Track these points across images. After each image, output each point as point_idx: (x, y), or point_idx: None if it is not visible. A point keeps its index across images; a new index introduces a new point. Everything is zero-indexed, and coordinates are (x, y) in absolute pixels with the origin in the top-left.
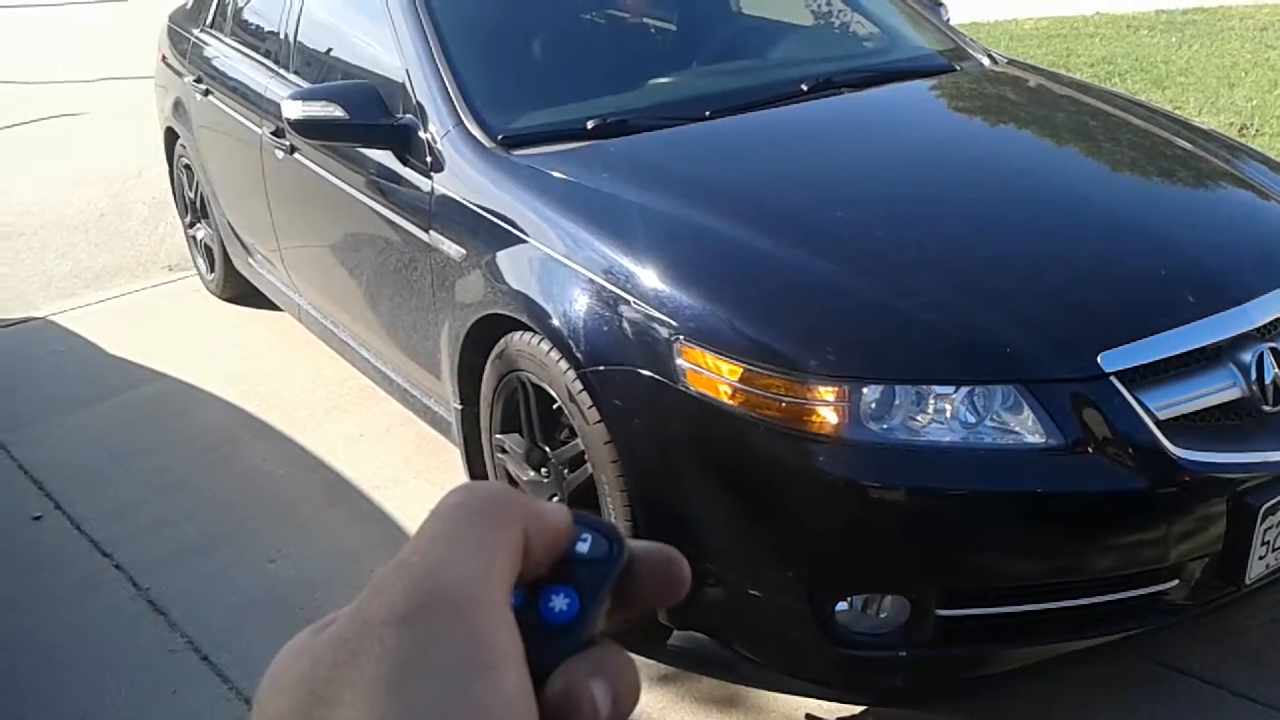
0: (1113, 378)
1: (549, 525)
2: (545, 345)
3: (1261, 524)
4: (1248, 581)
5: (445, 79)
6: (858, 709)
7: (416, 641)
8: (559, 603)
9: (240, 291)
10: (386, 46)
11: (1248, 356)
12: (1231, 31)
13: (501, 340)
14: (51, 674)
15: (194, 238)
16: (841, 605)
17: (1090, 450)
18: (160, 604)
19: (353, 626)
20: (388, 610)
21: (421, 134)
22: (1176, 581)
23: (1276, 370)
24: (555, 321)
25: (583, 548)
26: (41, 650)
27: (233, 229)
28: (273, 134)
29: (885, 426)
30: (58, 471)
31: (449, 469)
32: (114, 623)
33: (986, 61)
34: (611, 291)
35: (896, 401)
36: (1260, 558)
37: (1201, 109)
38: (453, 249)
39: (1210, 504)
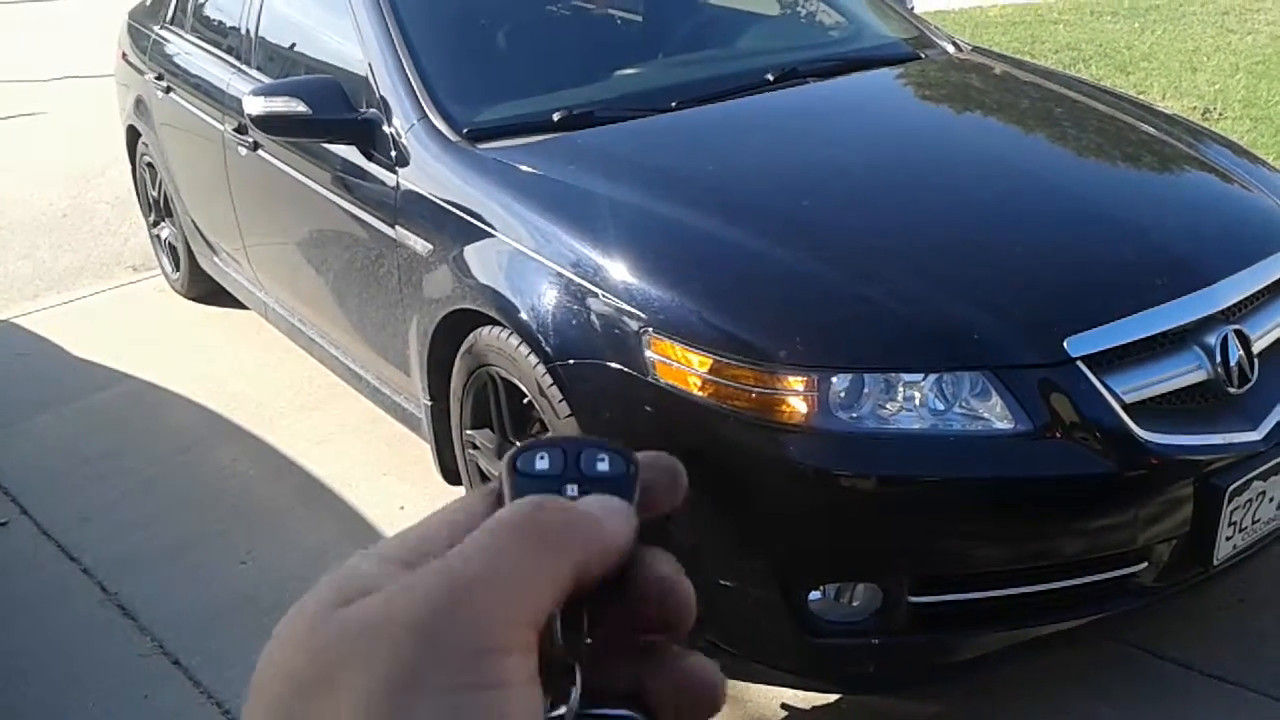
0: (1079, 362)
1: (613, 551)
2: (514, 340)
3: (1228, 505)
4: (1215, 563)
5: (409, 72)
6: (832, 697)
7: (428, 654)
8: None
9: (206, 290)
10: (349, 40)
11: (1212, 339)
12: (1194, 16)
13: (470, 335)
14: (20, 681)
15: (158, 237)
16: (814, 594)
17: (1058, 435)
18: (130, 608)
19: (377, 618)
20: (410, 613)
21: (386, 128)
22: (1145, 564)
23: (1241, 353)
24: (524, 316)
25: (604, 467)
26: (9, 657)
27: (197, 227)
28: (235, 130)
29: (855, 415)
30: (23, 476)
31: (420, 465)
32: (83, 628)
33: (951, 49)
34: (580, 285)
35: (866, 390)
36: (1227, 539)
37: (1165, 94)
38: (419, 244)
39: (1177, 486)
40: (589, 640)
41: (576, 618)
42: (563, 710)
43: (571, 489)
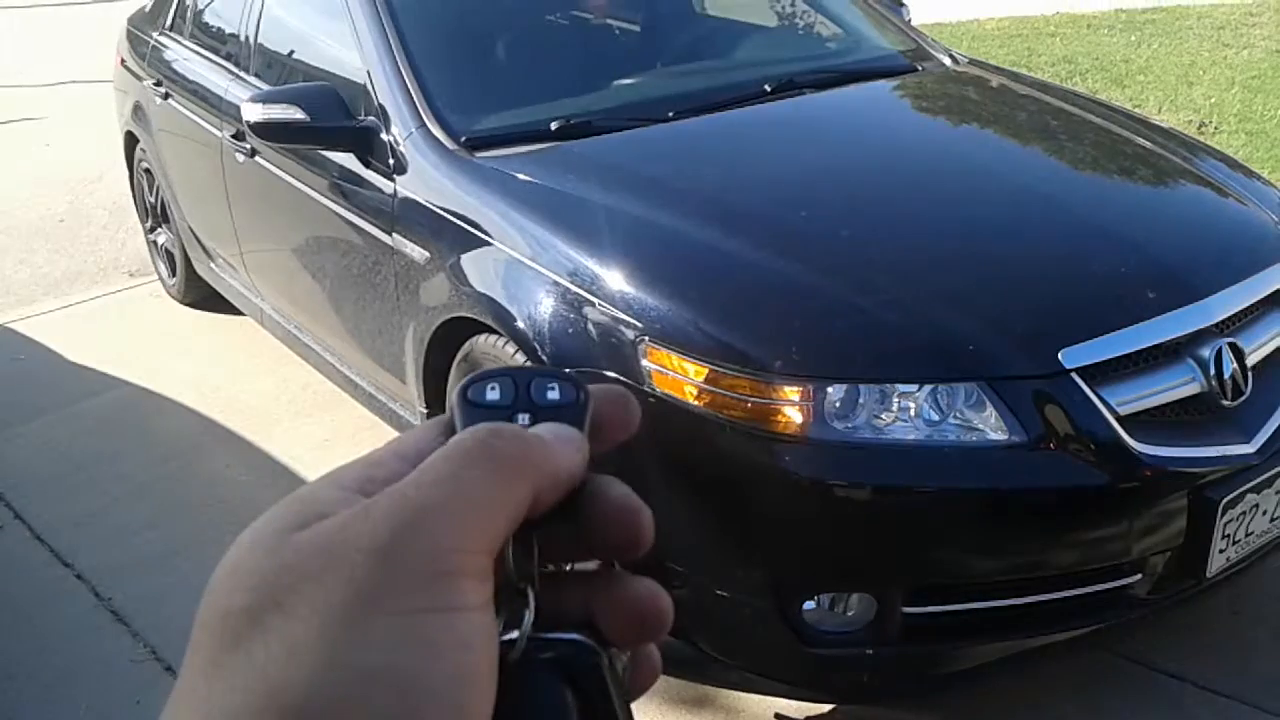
0: (1074, 374)
1: (564, 478)
2: (510, 348)
3: (1221, 518)
4: (1209, 575)
5: (407, 80)
6: (826, 708)
7: (386, 577)
8: None
9: (202, 296)
10: (348, 47)
11: (1206, 352)
12: (1190, 30)
13: (467, 343)
14: (12, 685)
15: (155, 242)
16: (808, 604)
17: (1052, 446)
18: (123, 613)
19: (330, 542)
20: (369, 538)
21: (384, 136)
22: (1139, 576)
23: (1234, 365)
24: (520, 324)
25: (554, 395)
26: (2, 662)
27: (194, 233)
28: (233, 137)
29: (850, 425)
30: (18, 480)
31: None
32: (76, 633)
33: (948, 62)
34: (576, 294)
35: (861, 400)
36: (1221, 551)
37: (1161, 107)
38: (416, 252)
39: (1171, 499)
40: (544, 567)
41: (528, 544)
42: (515, 634)
43: (523, 418)
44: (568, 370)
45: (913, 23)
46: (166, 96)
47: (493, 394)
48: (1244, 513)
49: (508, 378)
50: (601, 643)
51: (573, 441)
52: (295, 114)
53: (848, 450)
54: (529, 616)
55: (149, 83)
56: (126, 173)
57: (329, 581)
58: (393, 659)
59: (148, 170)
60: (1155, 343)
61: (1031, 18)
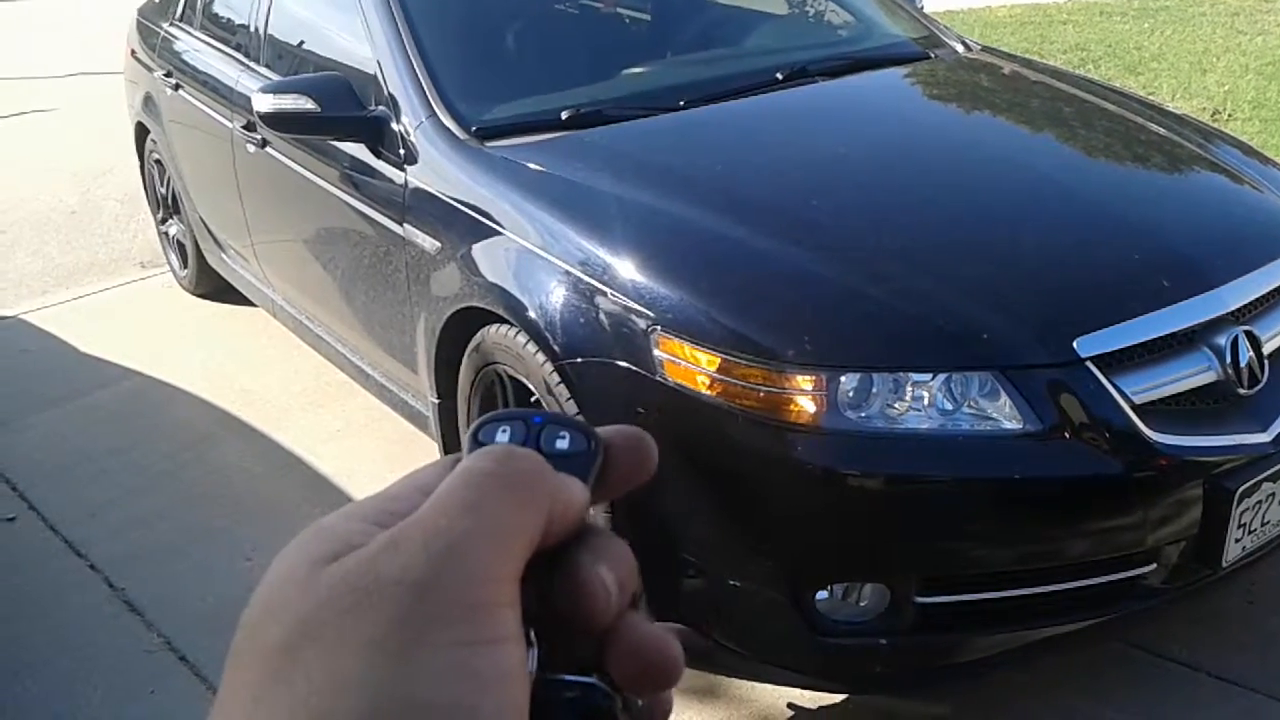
0: (1089, 363)
1: (572, 509)
2: (522, 338)
3: (1237, 507)
4: (1224, 564)
5: (418, 70)
6: (839, 697)
7: (426, 610)
8: None
9: (213, 287)
10: (358, 38)
11: (1222, 340)
12: (1203, 17)
13: (478, 333)
14: (28, 675)
15: (166, 234)
16: (821, 594)
17: (1067, 436)
18: (136, 604)
19: (362, 576)
20: (402, 570)
21: (394, 126)
22: (1154, 565)
23: (1250, 354)
24: (532, 314)
25: (563, 444)
26: (16, 651)
27: (205, 224)
28: (244, 128)
29: (863, 415)
30: (31, 472)
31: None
32: (90, 623)
33: (961, 49)
34: (588, 283)
35: (874, 389)
36: (1236, 540)
37: (1174, 94)
38: (428, 242)
39: (1186, 488)
40: (542, 609)
41: (527, 590)
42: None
43: None
44: (581, 419)
45: (925, 10)
46: (177, 88)
47: (503, 436)
48: (1260, 501)
49: (520, 421)
50: (616, 685)
51: (575, 483)
52: (306, 104)
53: (861, 440)
54: (533, 656)
55: (159, 74)
56: (137, 164)
57: (368, 615)
58: (443, 692)
59: (159, 161)
60: (1171, 331)
61: (1044, 5)
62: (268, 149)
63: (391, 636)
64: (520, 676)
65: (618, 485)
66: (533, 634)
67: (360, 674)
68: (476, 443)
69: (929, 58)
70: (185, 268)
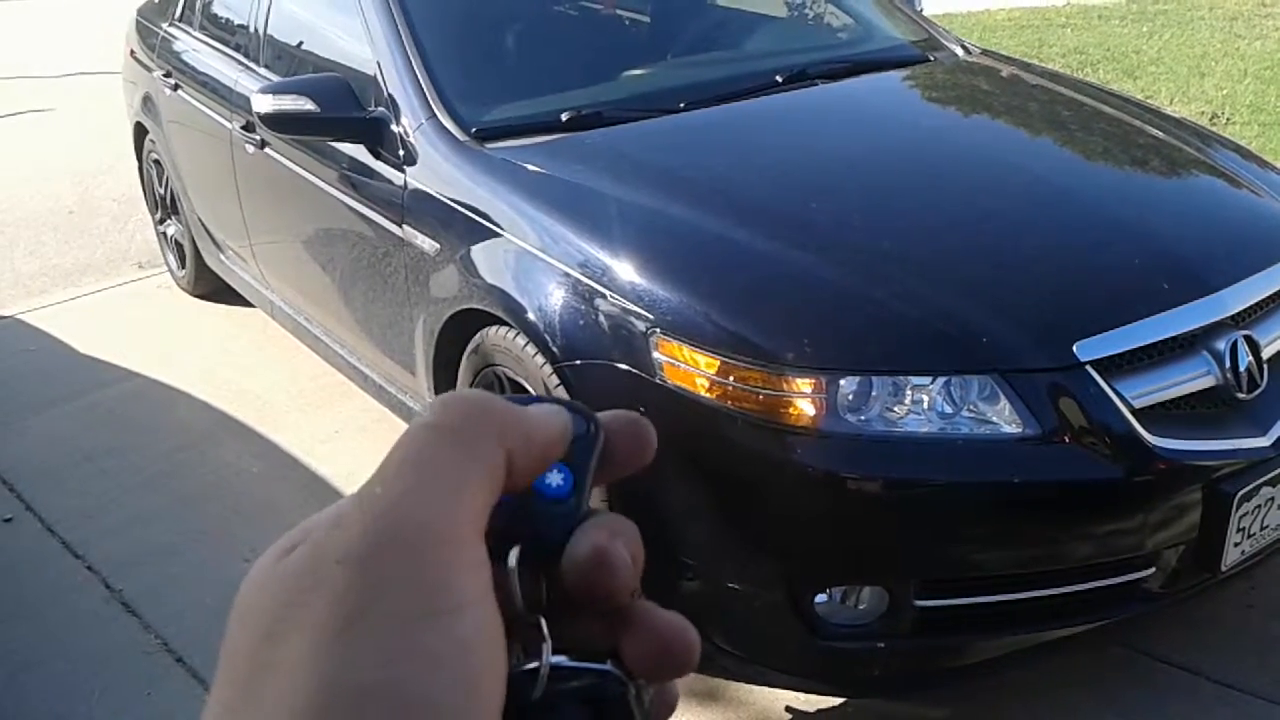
0: (1088, 367)
1: (538, 440)
2: (521, 340)
3: (1236, 511)
4: (1223, 569)
5: (417, 71)
6: (837, 700)
7: (369, 585)
8: (554, 478)
9: (212, 288)
10: (357, 39)
11: (1221, 344)
12: (1201, 21)
13: (477, 335)
14: (23, 676)
15: (164, 234)
16: (820, 597)
17: (1067, 440)
18: (133, 605)
19: (308, 562)
20: (343, 548)
21: (394, 127)
22: (1153, 569)
23: (1250, 358)
24: (531, 316)
25: None
26: (12, 653)
27: (203, 225)
28: (243, 129)
29: (863, 418)
30: (28, 472)
31: None
32: (87, 625)
33: (960, 52)
34: (587, 285)
35: (874, 393)
36: (1235, 545)
37: (1173, 98)
38: (427, 243)
39: (1186, 492)
40: (549, 596)
41: (534, 575)
42: (536, 663)
43: None
44: (580, 404)
45: (924, 13)
46: (176, 88)
47: None
48: (1259, 506)
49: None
50: (628, 673)
51: (551, 410)
52: (305, 105)
53: (860, 443)
54: (547, 649)
55: (158, 74)
56: (136, 164)
57: (313, 601)
58: (389, 673)
59: (157, 162)
60: (1170, 335)
61: (1042, 8)
62: (267, 150)
63: (333, 619)
64: (485, 646)
65: (617, 468)
66: (543, 623)
67: (306, 664)
68: None
69: (928, 61)
70: (183, 268)
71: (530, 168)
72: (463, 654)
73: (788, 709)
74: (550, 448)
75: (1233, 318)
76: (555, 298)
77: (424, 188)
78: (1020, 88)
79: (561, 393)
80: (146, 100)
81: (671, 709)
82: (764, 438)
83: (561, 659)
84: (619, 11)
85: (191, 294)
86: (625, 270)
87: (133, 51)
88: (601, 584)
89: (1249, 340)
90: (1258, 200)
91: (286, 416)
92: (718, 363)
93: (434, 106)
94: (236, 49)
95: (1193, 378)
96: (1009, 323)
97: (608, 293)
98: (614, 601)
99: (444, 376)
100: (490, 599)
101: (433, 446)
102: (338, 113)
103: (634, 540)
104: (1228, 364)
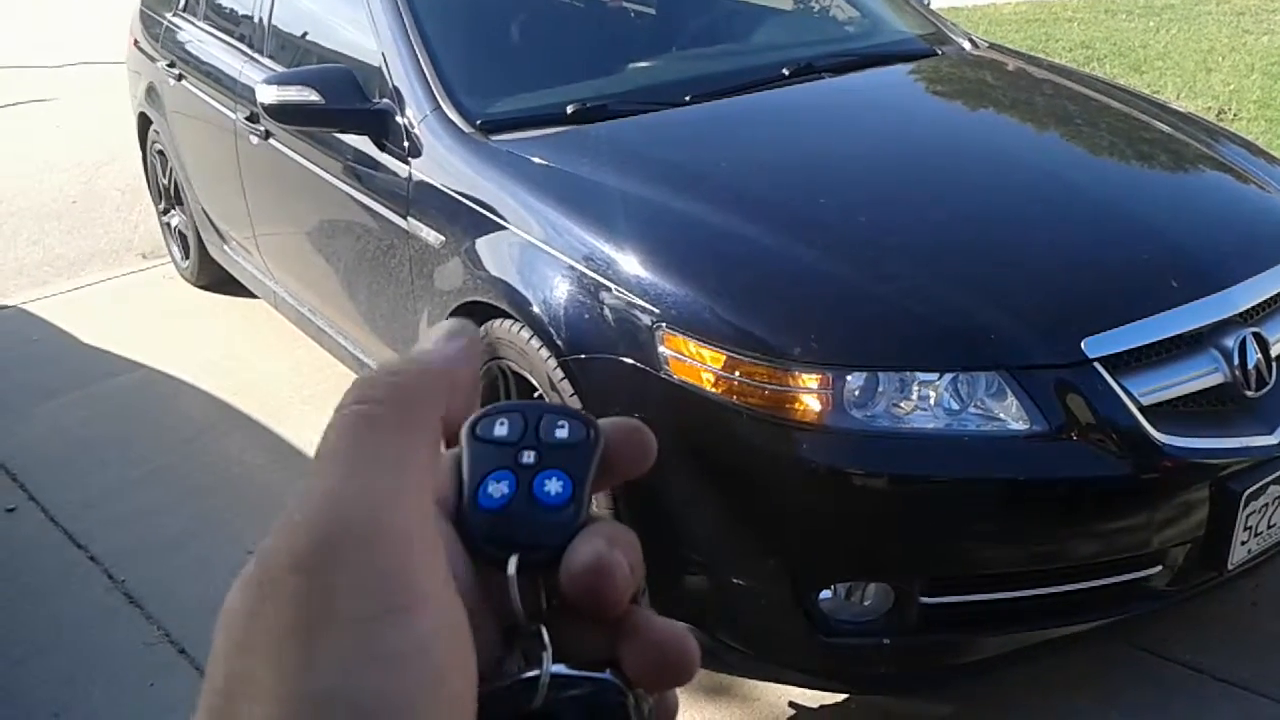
0: (1096, 364)
1: (463, 385)
2: (526, 333)
3: (1244, 509)
4: (1230, 567)
5: (422, 63)
6: (841, 697)
7: (321, 590)
8: (553, 485)
9: (215, 279)
10: (362, 29)
11: (1230, 342)
12: (1209, 16)
13: (481, 328)
14: (27, 668)
15: (168, 225)
16: (825, 593)
17: (1074, 436)
18: (137, 596)
19: (260, 571)
20: (290, 555)
21: (399, 119)
22: (1159, 568)
23: (1259, 356)
24: (536, 309)
25: (563, 434)
26: (14, 643)
27: (207, 215)
28: (247, 119)
29: (869, 414)
30: (31, 462)
31: None
32: (90, 616)
33: (967, 46)
34: (592, 278)
35: (880, 389)
36: (1242, 543)
37: (1180, 93)
38: (431, 235)
39: (1193, 490)
40: (548, 604)
41: (533, 583)
42: (537, 672)
43: (528, 455)
44: (579, 410)
45: (931, 6)
46: (180, 78)
47: (501, 429)
48: (1266, 504)
49: (518, 413)
50: (628, 682)
51: (453, 343)
52: (310, 96)
53: (866, 439)
54: (547, 657)
55: (162, 64)
56: (139, 154)
57: (269, 611)
58: (349, 680)
59: (161, 152)
60: (1179, 332)
61: (1049, 2)
62: (271, 141)
63: (290, 629)
64: (447, 641)
65: (616, 475)
66: (545, 635)
67: (264, 677)
68: (474, 437)
69: (935, 54)
70: (187, 259)
71: (535, 160)
72: (424, 652)
73: (791, 705)
74: (473, 387)
75: (1241, 315)
76: (560, 291)
77: (429, 180)
78: (1027, 82)
79: (566, 386)
80: (150, 90)
81: (672, 716)
82: (769, 433)
83: (561, 667)
84: (624, 4)
85: (195, 285)
86: (631, 264)
87: (136, 41)
88: (600, 592)
89: (1258, 338)
90: (1266, 196)
91: (290, 408)
92: (724, 357)
93: (439, 98)
94: (241, 39)
95: (1201, 375)
96: (1016, 319)
97: (613, 286)
98: (612, 610)
99: None
100: (450, 589)
101: (365, 432)
102: (342, 104)
103: (633, 548)
104: (1236, 361)
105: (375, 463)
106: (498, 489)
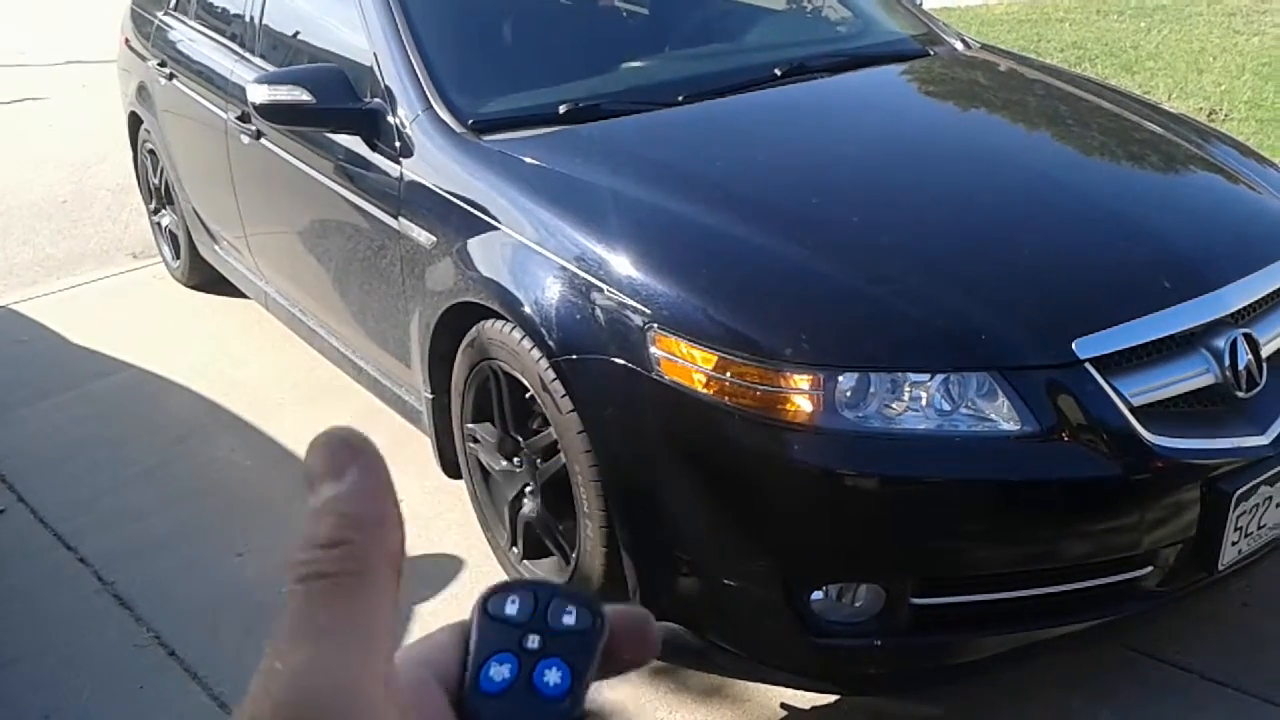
0: (1087, 364)
1: (397, 520)
2: (517, 334)
3: (1234, 510)
4: (1220, 567)
5: (414, 62)
6: (832, 698)
7: None
8: (552, 676)
9: (206, 279)
10: (354, 29)
11: (1221, 342)
12: (1200, 17)
13: (473, 329)
14: (16, 670)
15: (159, 224)
16: (816, 594)
17: (1065, 437)
18: (126, 598)
19: None
20: None
21: (390, 118)
22: (1150, 568)
23: (1249, 356)
24: (527, 309)
25: (569, 620)
26: (4, 646)
27: (198, 215)
28: (238, 119)
29: (860, 414)
30: (20, 463)
31: (420, 459)
32: (79, 617)
33: (959, 46)
34: (584, 279)
35: (872, 389)
36: (1233, 544)
37: (1170, 94)
38: (423, 236)
39: (1184, 490)
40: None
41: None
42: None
43: (533, 640)
44: (589, 596)
45: (923, 7)
46: (171, 77)
47: (511, 608)
48: (1257, 505)
49: (529, 592)
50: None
51: (346, 465)
52: (301, 96)
53: (858, 440)
54: None
55: (153, 63)
56: (130, 154)
57: None
58: None
59: (152, 152)
60: (1170, 333)
61: (1041, 3)
62: (262, 140)
63: None
64: None
65: (618, 665)
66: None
67: None
68: (485, 614)
69: (928, 55)
70: (177, 259)
71: (527, 160)
72: None
73: (783, 706)
74: (397, 511)
75: (1232, 315)
76: (552, 291)
77: (420, 180)
78: (1019, 82)
79: (558, 387)
80: (141, 89)
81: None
82: (761, 434)
83: None
84: (617, 4)
85: (186, 285)
86: (622, 264)
87: (127, 40)
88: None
89: (1248, 338)
90: (1257, 197)
91: (280, 409)
92: (715, 358)
93: (430, 98)
94: (232, 39)
95: (1192, 376)
96: (1007, 319)
97: (605, 287)
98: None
99: (439, 370)
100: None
101: (321, 607)
102: (333, 104)
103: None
104: (1227, 362)
105: (331, 635)
106: (499, 672)
